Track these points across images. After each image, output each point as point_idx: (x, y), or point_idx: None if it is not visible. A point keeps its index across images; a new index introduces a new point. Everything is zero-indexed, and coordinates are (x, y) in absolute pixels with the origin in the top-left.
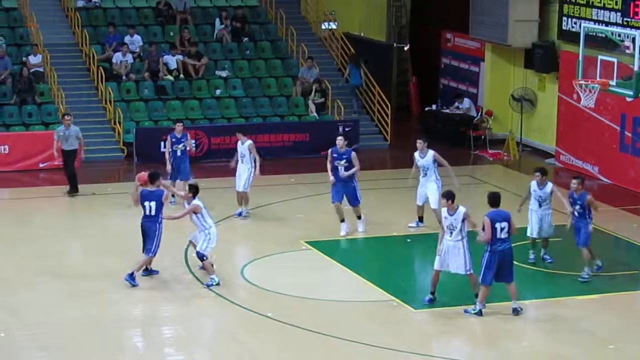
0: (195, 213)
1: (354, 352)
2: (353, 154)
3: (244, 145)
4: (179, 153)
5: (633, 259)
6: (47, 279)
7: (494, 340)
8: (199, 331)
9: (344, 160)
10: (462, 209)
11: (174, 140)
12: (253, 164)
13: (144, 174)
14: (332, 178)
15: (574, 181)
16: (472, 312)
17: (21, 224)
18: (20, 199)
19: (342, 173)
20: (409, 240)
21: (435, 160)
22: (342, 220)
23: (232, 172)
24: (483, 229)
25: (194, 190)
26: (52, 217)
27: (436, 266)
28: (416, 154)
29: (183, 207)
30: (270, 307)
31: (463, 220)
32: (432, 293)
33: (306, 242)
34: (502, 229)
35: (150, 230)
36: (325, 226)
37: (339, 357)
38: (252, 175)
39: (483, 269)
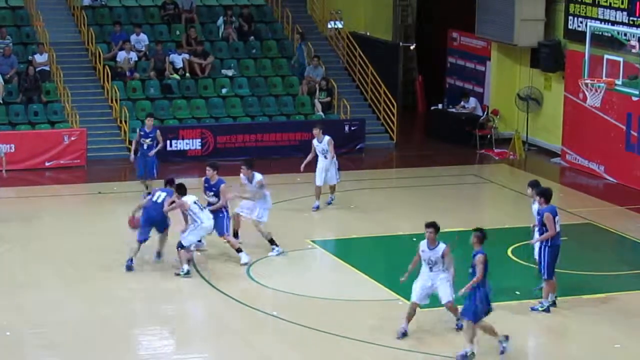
0: (185, 209)
1: (360, 351)
2: (223, 186)
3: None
4: (145, 147)
5: (639, 258)
6: (54, 277)
7: (491, 339)
8: (205, 330)
9: (212, 193)
10: (442, 246)
11: (142, 134)
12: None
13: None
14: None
15: None
16: (540, 308)
17: (27, 223)
18: (27, 198)
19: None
20: (414, 239)
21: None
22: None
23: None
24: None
25: (182, 189)
26: (58, 215)
27: (415, 298)
28: (314, 141)
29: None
30: (276, 306)
31: (442, 256)
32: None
33: (312, 241)
34: (558, 222)
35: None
36: (332, 225)
37: (345, 356)
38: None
39: (546, 263)
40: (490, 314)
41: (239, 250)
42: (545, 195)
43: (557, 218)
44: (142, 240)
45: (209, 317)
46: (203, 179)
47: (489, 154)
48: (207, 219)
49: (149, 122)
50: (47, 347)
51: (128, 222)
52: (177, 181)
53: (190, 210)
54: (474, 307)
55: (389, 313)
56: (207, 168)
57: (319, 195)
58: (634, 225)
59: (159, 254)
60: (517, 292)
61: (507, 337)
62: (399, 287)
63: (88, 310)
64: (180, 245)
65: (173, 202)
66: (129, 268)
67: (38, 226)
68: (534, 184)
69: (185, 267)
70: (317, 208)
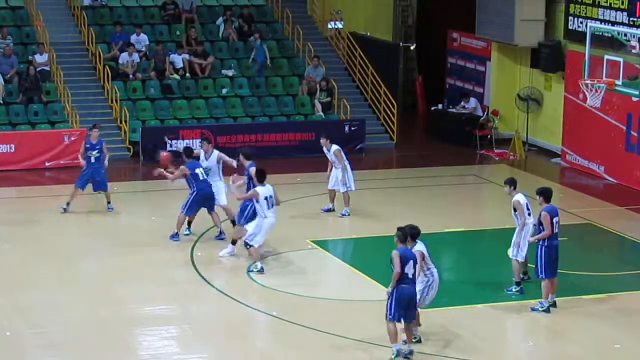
0: (256, 199)
1: (360, 351)
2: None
3: (331, 152)
4: (92, 160)
5: (639, 258)
6: (54, 277)
7: (498, 340)
8: (205, 330)
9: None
10: (417, 248)
11: (88, 146)
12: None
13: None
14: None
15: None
16: (540, 309)
17: (27, 223)
18: (27, 198)
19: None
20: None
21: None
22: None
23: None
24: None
25: (261, 176)
26: (58, 216)
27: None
28: (324, 149)
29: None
30: (276, 306)
31: (421, 260)
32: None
33: (312, 241)
34: (556, 223)
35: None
36: (331, 225)
37: (344, 356)
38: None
39: (543, 263)
40: (403, 321)
41: (233, 242)
42: (544, 194)
43: (556, 219)
44: (190, 214)
45: (209, 317)
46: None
47: (489, 154)
48: (271, 215)
49: (94, 133)
50: (47, 347)
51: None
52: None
53: (259, 203)
54: (389, 305)
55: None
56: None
57: (331, 199)
58: (634, 226)
59: (221, 233)
60: (516, 293)
61: (406, 341)
62: None
63: (88, 311)
64: (248, 245)
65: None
66: (176, 237)
67: (38, 226)
68: (510, 181)
69: (259, 264)
70: (327, 210)
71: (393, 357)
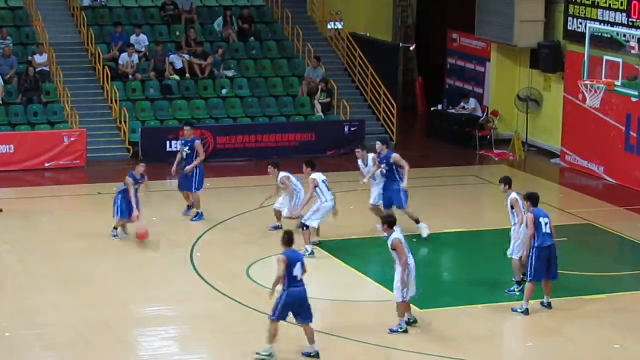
0: (315, 186)
1: (358, 351)
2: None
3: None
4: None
5: (638, 259)
6: (54, 278)
7: (498, 340)
8: (205, 331)
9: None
10: (394, 236)
11: (132, 181)
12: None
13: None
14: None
15: None
16: (520, 310)
17: (27, 224)
18: (27, 199)
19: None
20: (414, 240)
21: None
22: None
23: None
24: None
25: (312, 165)
26: (58, 216)
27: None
28: (360, 162)
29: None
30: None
31: (393, 250)
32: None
33: (311, 242)
34: (546, 224)
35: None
36: (331, 226)
37: (343, 356)
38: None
39: (532, 264)
40: (298, 321)
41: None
42: (532, 199)
43: (545, 220)
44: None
45: (208, 318)
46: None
47: (489, 155)
48: (330, 199)
49: (140, 168)
50: (46, 348)
51: None
52: None
53: (319, 187)
54: (276, 306)
55: (388, 314)
56: (377, 142)
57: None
58: (634, 226)
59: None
60: (517, 293)
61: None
62: None
63: (88, 311)
64: (304, 226)
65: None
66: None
67: (38, 227)
68: (505, 180)
69: (310, 247)
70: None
71: (265, 355)
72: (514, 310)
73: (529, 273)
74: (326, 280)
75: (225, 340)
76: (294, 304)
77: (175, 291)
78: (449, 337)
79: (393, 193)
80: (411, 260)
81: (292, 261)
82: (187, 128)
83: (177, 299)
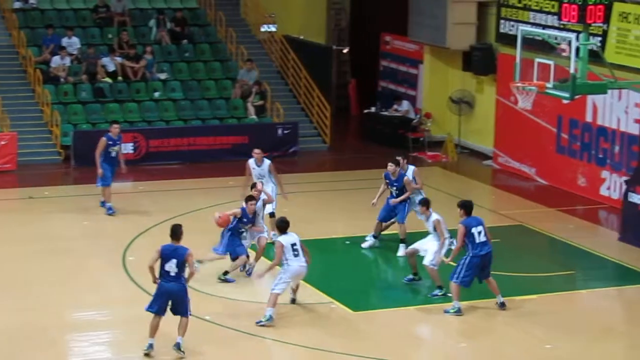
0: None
1: (292, 354)
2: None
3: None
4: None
5: (569, 259)
6: None
7: (431, 341)
8: (138, 335)
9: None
10: (287, 239)
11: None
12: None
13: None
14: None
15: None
16: (452, 311)
17: None
18: None
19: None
20: (347, 242)
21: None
22: None
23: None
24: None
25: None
26: None
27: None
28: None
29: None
30: (210, 311)
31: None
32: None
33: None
34: (479, 233)
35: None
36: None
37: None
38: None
39: (461, 268)
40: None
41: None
42: (465, 207)
43: (479, 229)
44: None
45: (141, 322)
46: (384, 174)
47: (422, 157)
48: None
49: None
50: None
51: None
52: None
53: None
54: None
55: (321, 316)
56: (389, 164)
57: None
58: (564, 227)
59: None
60: (440, 295)
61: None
62: (332, 290)
63: (20, 316)
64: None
65: None
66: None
67: None
68: (424, 202)
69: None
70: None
71: (146, 349)
72: (446, 311)
73: (455, 275)
74: (260, 284)
75: (158, 344)
76: (163, 296)
77: (107, 295)
78: (383, 338)
79: (398, 207)
80: (292, 264)
81: (165, 256)
82: (115, 126)
83: (108, 304)
